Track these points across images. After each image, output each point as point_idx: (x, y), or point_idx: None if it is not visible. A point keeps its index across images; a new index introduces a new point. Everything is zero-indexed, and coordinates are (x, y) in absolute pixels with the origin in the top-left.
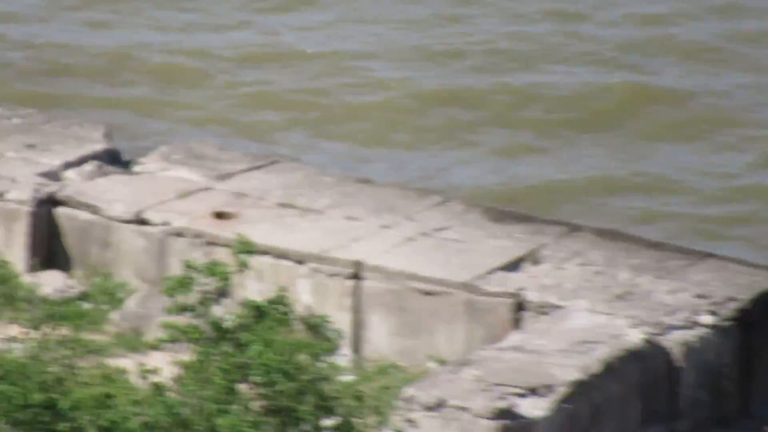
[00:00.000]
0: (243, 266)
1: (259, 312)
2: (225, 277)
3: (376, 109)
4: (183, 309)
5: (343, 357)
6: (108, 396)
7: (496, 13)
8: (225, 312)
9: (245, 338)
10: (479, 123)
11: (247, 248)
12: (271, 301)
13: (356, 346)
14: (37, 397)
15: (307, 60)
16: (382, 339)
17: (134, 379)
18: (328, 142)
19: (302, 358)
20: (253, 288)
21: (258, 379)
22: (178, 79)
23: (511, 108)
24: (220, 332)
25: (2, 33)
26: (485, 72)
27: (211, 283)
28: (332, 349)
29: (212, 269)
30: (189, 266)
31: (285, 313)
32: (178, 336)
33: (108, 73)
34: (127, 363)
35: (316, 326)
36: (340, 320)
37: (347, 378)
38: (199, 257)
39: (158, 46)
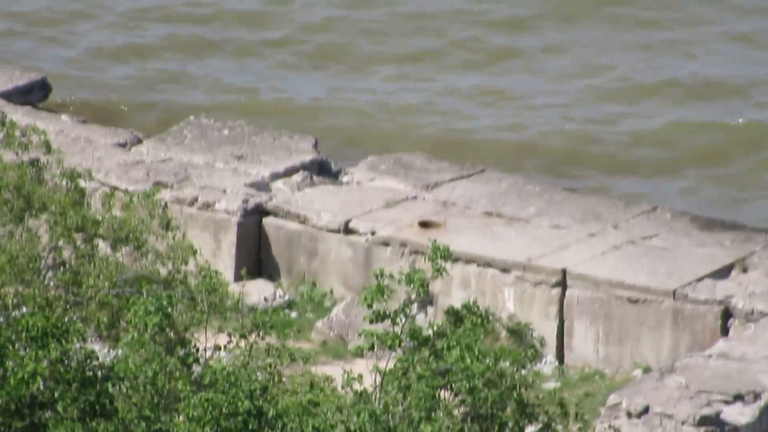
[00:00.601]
0: (440, 272)
1: (456, 318)
2: (423, 285)
3: None
4: (382, 317)
5: (547, 364)
6: (313, 403)
7: None
8: (429, 320)
9: (442, 345)
10: None
11: (443, 255)
12: (468, 308)
13: (560, 354)
14: (245, 405)
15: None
16: (586, 347)
17: (339, 387)
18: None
19: (505, 365)
20: (459, 296)
21: (460, 385)
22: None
23: None
24: (419, 339)
25: None
26: None
27: (411, 291)
28: (536, 357)
29: (410, 277)
30: (378, 275)
31: (482, 319)
32: (377, 344)
33: None
34: (332, 371)
35: (519, 334)
36: (545, 328)
37: (551, 385)
38: (404, 266)
39: None
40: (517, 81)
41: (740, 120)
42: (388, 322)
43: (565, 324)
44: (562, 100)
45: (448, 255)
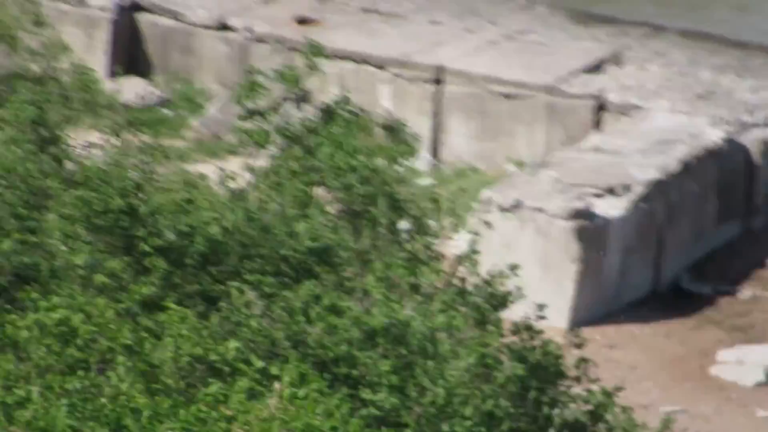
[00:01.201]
0: (312, 69)
1: (328, 115)
2: (296, 82)
3: None
4: (253, 114)
5: (422, 161)
6: (188, 201)
7: None
8: (303, 118)
9: (314, 141)
10: None
11: (316, 51)
12: (339, 103)
13: (435, 150)
14: (117, 202)
15: None
16: (461, 143)
17: (213, 185)
18: None
19: (379, 161)
20: (335, 94)
21: (332, 182)
22: None
23: None
24: (290, 136)
25: None
26: None
27: (284, 89)
28: (410, 153)
29: (283, 74)
30: (251, 72)
31: (354, 115)
32: (247, 141)
33: None
34: (206, 169)
35: (394, 130)
36: (420, 125)
37: (425, 181)
38: (280, 63)
39: None
40: None
41: None
42: (257, 119)
43: (441, 120)
44: None
45: (321, 52)
